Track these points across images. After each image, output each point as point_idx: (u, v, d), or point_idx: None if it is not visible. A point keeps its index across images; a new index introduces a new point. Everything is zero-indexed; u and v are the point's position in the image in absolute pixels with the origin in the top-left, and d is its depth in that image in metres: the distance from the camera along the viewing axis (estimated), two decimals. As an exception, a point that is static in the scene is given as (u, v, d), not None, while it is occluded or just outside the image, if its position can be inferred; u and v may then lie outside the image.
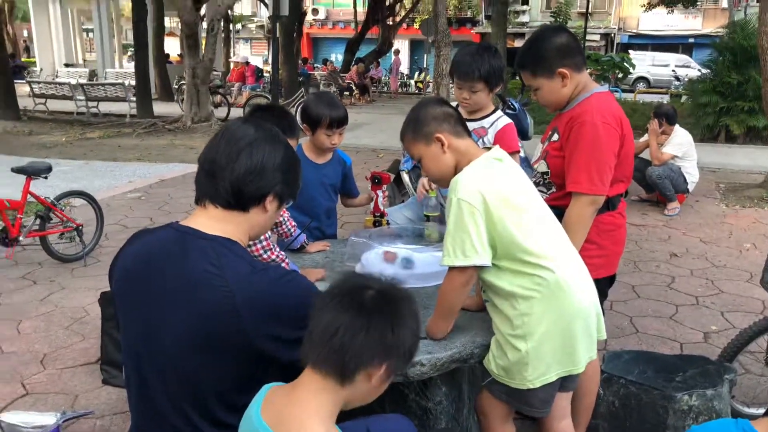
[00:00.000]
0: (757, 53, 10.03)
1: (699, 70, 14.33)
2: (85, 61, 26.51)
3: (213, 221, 1.47)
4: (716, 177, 8.35)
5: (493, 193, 1.76)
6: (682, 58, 28.20)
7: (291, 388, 1.32)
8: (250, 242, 1.79)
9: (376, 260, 2.50)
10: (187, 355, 1.39)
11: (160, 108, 15.02)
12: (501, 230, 1.76)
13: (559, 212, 2.16)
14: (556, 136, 2.31)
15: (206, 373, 1.41)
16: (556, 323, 1.81)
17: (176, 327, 1.39)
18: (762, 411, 2.83)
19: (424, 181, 2.98)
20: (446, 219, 1.84)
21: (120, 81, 14.39)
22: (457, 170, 1.88)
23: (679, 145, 6.47)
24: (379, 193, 2.98)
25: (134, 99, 13.94)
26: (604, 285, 2.38)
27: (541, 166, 2.42)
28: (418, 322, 1.33)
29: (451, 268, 1.81)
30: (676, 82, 22.71)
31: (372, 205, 3.02)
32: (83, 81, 15.14)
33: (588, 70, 2.40)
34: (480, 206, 1.74)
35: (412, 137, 1.94)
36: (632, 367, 2.60)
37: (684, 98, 16.48)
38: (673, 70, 24.98)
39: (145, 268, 1.45)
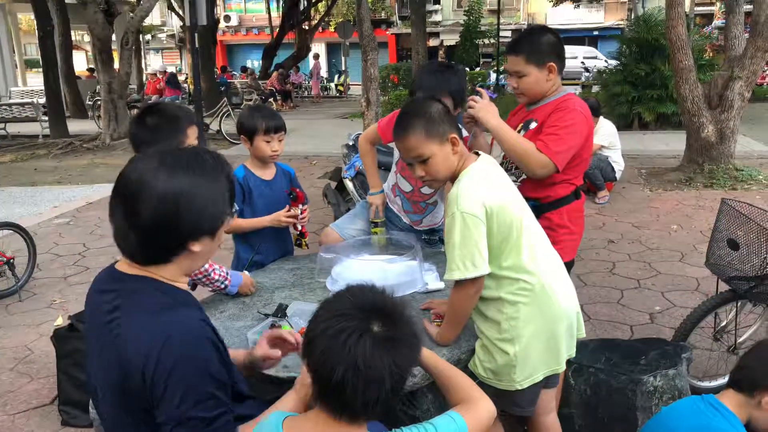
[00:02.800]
0: (661, 45, 10.76)
1: (606, 61, 15.02)
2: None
3: (137, 269, 1.38)
4: (637, 163, 8.82)
5: (494, 204, 1.81)
6: (589, 50, 29.47)
7: (305, 418, 1.33)
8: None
9: (345, 273, 2.50)
10: (112, 411, 1.38)
11: (74, 126, 14.31)
12: (496, 239, 1.81)
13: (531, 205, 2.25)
14: (533, 124, 2.42)
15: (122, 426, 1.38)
16: (542, 326, 1.89)
17: (104, 380, 1.36)
18: (714, 384, 3.04)
19: (376, 206, 3.05)
20: (445, 230, 1.86)
21: (28, 100, 13.60)
22: (453, 174, 1.91)
23: (605, 136, 6.80)
24: (299, 209, 2.84)
25: (46, 118, 13.23)
26: (569, 268, 2.51)
27: None
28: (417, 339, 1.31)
29: (462, 281, 1.82)
30: (586, 73, 23.72)
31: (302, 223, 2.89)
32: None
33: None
34: (483, 217, 1.79)
35: (425, 136, 1.85)
36: (598, 356, 2.72)
37: (595, 88, 17.25)
38: (582, 62, 26.04)
39: (90, 314, 1.43)
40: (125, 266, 1.38)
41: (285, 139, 2.89)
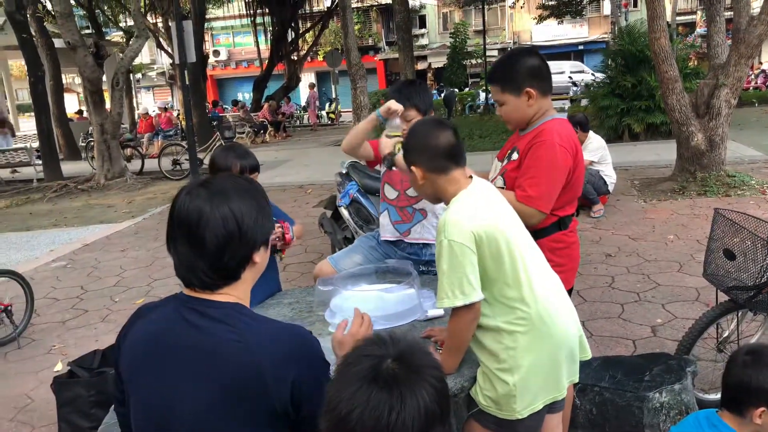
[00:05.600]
0: (645, 56, 10.89)
1: (592, 74, 15.19)
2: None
3: (211, 295, 1.43)
4: (629, 175, 8.86)
5: (483, 231, 1.79)
6: (576, 64, 29.81)
7: None
8: None
9: (344, 305, 2.49)
10: (216, 425, 1.35)
11: (68, 168, 14.35)
12: (490, 266, 1.80)
13: None
14: (515, 155, 2.39)
15: None
16: (542, 355, 1.85)
17: (198, 401, 1.35)
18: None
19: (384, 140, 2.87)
20: (436, 257, 1.85)
21: (22, 145, 13.65)
22: (442, 196, 1.92)
23: (595, 151, 6.84)
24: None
25: (39, 162, 13.26)
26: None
27: (498, 182, 2.50)
28: (433, 397, 1.17)
29: (457, 308, 1.81)
30: (574, 87, 23.96)
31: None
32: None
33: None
34: (472, 245, 1.77)
35: (423, 167, 1.93)
36: (602, 374, 2.71)
37: (584, 102, 17.41)
38: (570, 77, 26.30)
39: (155, 345, 1.41)
40: (196, 294, 1.44)
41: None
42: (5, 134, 14.76)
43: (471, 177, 1.98)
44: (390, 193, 3.06)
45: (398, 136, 2.81)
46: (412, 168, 1.94)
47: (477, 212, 1.84)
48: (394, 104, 2.79)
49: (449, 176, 1.91)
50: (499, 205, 1.95)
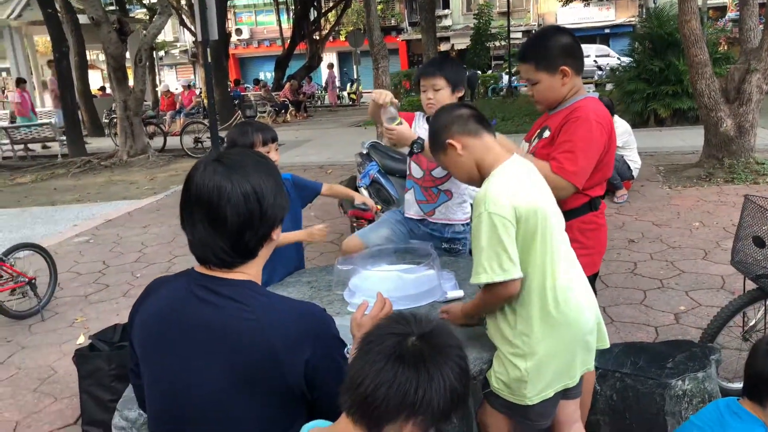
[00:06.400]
0: (674, 40, 10.64)
1: (618, 59, 14.91)
2: (2, 102, 25.30)
3: (226, 273, 1.41)
4: (655, 160, 8.70)
5: (524, 208, 1.74)
6: (602, 48, 29.27)
7: (330, 430, 1.28)
8: None
9: (363, 284, 2.48)
10: (229, 404, 1.34)
11: (91, 144, 14.52)
12: (519, 247, 1.76)
13: None
14: (547, 133, 2.34)
15: (250, 422, 1.35)
16: (558, 343, 1.82)
17: (210, 380, 1.33)
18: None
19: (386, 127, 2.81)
20: (472, 232, 1.81)
21: (47, 121, 13.78)
22: (481, 169, 1.86)
23: (620, 135, 6.70)
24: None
25: (64, 138, 13.40)
26: (591, 283, 2.43)
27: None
28: (457, 376, 1.17)
29: (493, 284, 1.76)
30: (599, 72, 23.54)
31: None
32: (4, 123, 14.44)
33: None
34: (513, 219, 1.73)
35: (432, 150, 1.99)
36: (624, 360, 2.67)
37: (609, 86, 17.12)
38: (595, 61, 25.81)
39: (167, 324, 1.39)
40: (209, 272, 1.41)
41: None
42: (59, 110, 14.95)
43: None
44: (416, 172, 3.04)
45: (399, 123, 2.77)
46: (450, 142, 1.87)
47: (519, 188, 1.79)
48: (376, 94, 2.74)
49: (483, 141, 1.87)
50: (539, 186, 1.90)
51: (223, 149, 2.13)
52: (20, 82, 14.81)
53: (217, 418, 1.36)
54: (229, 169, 1.36)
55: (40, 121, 13.83)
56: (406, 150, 2.79)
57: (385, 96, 2.70)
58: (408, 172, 3.11)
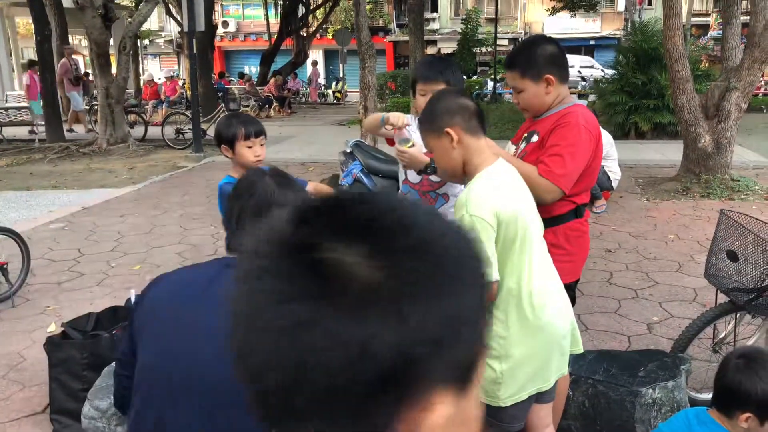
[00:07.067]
0: (658, 54, 10.81)
1: (602, 70, 15.08)
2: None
3: None
4: (633, 173, 8.82)
5: (504, 212, 1.76)
6: (586, 59, 29.56)
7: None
8: None
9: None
10: (234, 397, 1.30)
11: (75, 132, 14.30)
12: (498, 251, 1.78)
13: None
14: (536, 137, 2.36)
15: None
16: (533, 347, 1.85)
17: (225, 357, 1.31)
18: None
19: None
20: None
21: (25, 104, 13.54)
22: (466, 168, 1.87)
23: (603, 146, 6.78)
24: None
25: (42, 122, 13.18)
26: (571, 290, 2.46)
27: None
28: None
29: None
30: (583, 82, 23.77)
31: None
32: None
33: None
34: (494, 223, 1.74)
35: (426, 128, 1.94)
36: (597, 367, 2.71)
37: (592, 98, 17.32)
38: (579, 71, 26.08)
39: (200, 285, 1.41)
40: None
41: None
42: (79, 92, 14.63)
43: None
44: (413, 177, 3.01)
45: (411, 145, 2.68)
46: (448, 131, 1.85)
47: (501, 193, 1.80)
48: (394, 118, 2.59)
49: (478, 142, 1.87)
50: (521, 191, 1.91)
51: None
52: (33, 64, 14.21)
53: (227, 390, 1.30)
54: (283, 182, 1.58)
55: (17, 105, 13.59)
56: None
57: (402, 119, 2.62)
58: (403, 178, 3.08)
